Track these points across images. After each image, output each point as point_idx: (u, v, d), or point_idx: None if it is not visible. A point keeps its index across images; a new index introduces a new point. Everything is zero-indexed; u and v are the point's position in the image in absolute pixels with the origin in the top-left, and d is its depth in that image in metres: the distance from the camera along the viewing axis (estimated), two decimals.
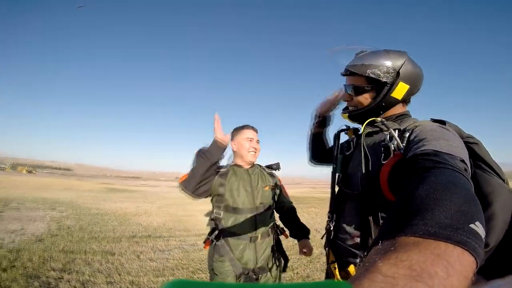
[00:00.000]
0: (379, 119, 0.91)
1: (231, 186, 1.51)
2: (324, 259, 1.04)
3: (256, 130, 1.68)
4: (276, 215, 1.75)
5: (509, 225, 0.64)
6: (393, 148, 0.78)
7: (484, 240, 0.34)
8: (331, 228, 1.02)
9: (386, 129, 0.85)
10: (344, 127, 1.14)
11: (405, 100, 0.96)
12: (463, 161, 0.57)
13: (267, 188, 1.62)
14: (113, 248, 4.22)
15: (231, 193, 1.50)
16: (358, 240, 0.89)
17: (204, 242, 1.53)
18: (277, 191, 1.73)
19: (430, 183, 0.43)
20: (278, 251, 1.61)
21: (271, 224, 1.61)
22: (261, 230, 1.52)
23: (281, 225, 1.75)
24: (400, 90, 0.89)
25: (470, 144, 0.72)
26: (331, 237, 1.01)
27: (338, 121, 1.15)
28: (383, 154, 0.81)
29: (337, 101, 1.30)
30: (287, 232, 1.72)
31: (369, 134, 0.94)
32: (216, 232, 1.48)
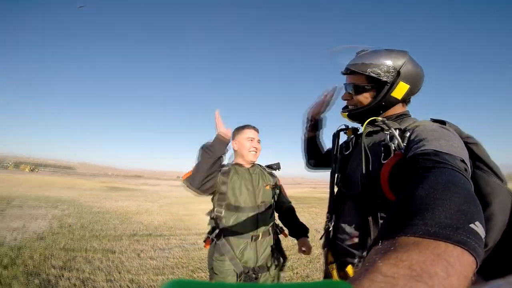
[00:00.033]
0: (380, 118, 0.91)
1: (233, 184, 1.52)
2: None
3: (257, 130, 1.69)
4: (275, 215, 1.75)
5: (507, 225, 0.64)
6: (393, 148, 0.77)
7: (484, 240, 0.34)
8: (330, 229, 1.01)
9: (387, 128, 0.85)
10: (343, 127, 1.14)
11: (405, 100, 0.96)
12: (463, 161, 0.57)
13: (268, 187, 1.63)
14: (114, 246, 4.24)
15: (233, 191, 1.51)
16: (357, 240, 0.88)
17: (205, 241, 1.54)
18: (277, 191, 1.74)
19: (430, 183, 0.43)
20: (277, 250, 1.62)
21: (272, 223, 1.62)
22: (262, 229, 1.53)
23: (280, 225, 1.75)
24: (400, 90, 0.89)
25: (470, 145, 0.72)
26: (330, 237, 1.01)
27: (338, 121, 1.15)
28: (383, 154, 0.81)
29: (327, 102, 1.31)
30: (286, 231, 1.73)
31: (368, 134, 0.94)
32: (217, 231, 1.48)
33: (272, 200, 1.66)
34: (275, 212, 1.72)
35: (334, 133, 1.16)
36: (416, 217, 0.35)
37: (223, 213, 1.49)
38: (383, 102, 0.92)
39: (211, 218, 1.55)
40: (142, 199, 13.52)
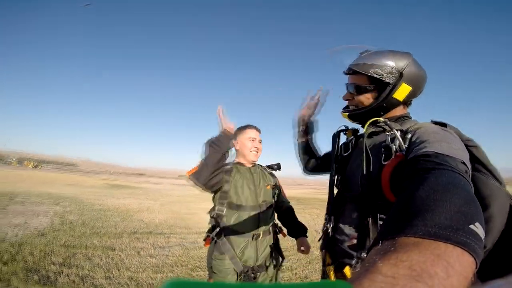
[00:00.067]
0: (382, 119, 0.91)
1: (236, 183, 1.53)
2: None
3: (259, 130, 1.70)
4: (275, 215, 1.75)
5: (505, 227, 0.64)
6: (394, 149, 0.78)
7: (484, 241, 0.34)
8: (329, 230, 1.00)
9: (389, 129, 0.84)
10: (343, 128, 1.13)
11: (406, 102, 0.95)
12: (464, 163, 0.57)
13: (268, 187, 1.65)
14: (114, 243, 4.25)
15: (236, 190, 1.51)
16: (356, 241, 0.88)
17: (204, 240, 1.53)
18: (277, 191, 1.75)
19: (430, 184, 0.44)
20: (276, 249, 1.62)
21: (272, 222, 1.63)
22: (263, 228, 1.53)
23: (279, 224, 1.76)
24: (402, 92, 0.89)
25: (469, 147, 0.72)
26: (328, 239, 1.00)
27: (337, 121, 1.14)
28: (383, 155, 0.81)
29: (315, 105, 1.32)
30: (285, 231, 1.74)
31: (369, 135, 0.94)
32: (217, 229, 1.48)
33: (273, 200, 1.67)
34: (274, 212, 1.73)
35: (334, 134, 1.16)
36: (416, 218, 0.35)
37: (224, 212, 1.49)
38: (385, 104, 0.91)
39: (212, 217, 1.55)
40: (143, 197, 13.58)
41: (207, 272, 1.54)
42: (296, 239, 1.68)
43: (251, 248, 1.47)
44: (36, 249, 3.60)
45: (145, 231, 5.35)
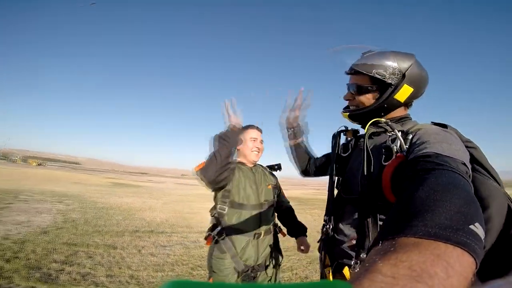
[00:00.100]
0: (383, 119, 0.90)
1: (238, 182, 1.53)
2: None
3: (260, 130, 1.71)
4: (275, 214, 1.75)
5: (503, 227, 0.64)
6: (395, 150, 0.77)
7: (483, 241, 0.34)
8: (329, 231, 0.99)
9: (390, 130, 0.84)
10: (343, 128, 1.13)
11: (407, 103, 0.95)
12: (464, 164, 0.58)
13: (270, 186, 1.65)
14: (116, 242, 4.27)
15: (238, 189, 1.51)
16: (355, 242, 0.87)
17: (205, 239, 1.52)
18: (277, 191, 1.75)
19: (430, 185, 0.44)
20: (275, 249, 1.62)
21: (273, 222, 1.64)
22: (264, 227, 1.53)
23: (279, 224, 1.77)
24: (404, 93, 0.88)
25: (469, 148, 0.72)
26: (328, 240, 0.99)
27: (336, 122, 1.14)
28: (384, 156, 0.81)
29: (299, 107, 1.33)
30: (284, 230, 1.75)
31: (369, 136, 0.93)
32: (219, 228, 1.48)
33: (274, 199, 1.68)
34: (275, 212, 1.73)
35: (334, 134, 1.15)
36: (416, 218, 0.35)
37: (226, 210, 1.49)
38: (386, 104, 0.91)
39: (213, 216, 1.55)
40: (146, 195, 13.66)
41: (208, 272, 1.54)
42: (296, 239, 1.69)
43: (252, 247, 1.47)
44: (39, 246, 3.63)
45: (147, 230, 5.37)
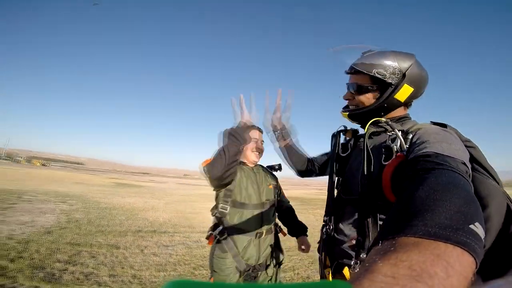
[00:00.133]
0: (383, 119, 0.90)
1: (240, 181, 1.53)
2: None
3: (261, 131, 1.70)
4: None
5: (502, 226, 0.64)
6: (395, 150, 0.77)
7: (483, 240, 0.34)
8: (329, 231, 0.99)
9: (391, 129, 0.83)
10: (343, 128, 1.12)
11: (407, 103, 0.95)
12: (464, 163, 0.58)
13: (271, 186, 1.65)
14: (119, 242, 4.30)
15: (240, 188, 1.51)
16: (355, 242, 0.87)
17: (207, 238, 1.52)
18: (277, 191, 1.75)
19: (430, 184, 0.44)
20: (276, 248, 1.62)
21: (274, 221, 1.64)
22: (266, 226, 1.53)
23: (279, 224, 1.77)
24: (404, 92, 0.88)
25: (468, 148, 0.72)
26: (328, 241, 0.99)
27: (337, 121, 1.14)
28: (383, 156, 0.81)
29: (278, 107, 1.33)
30: (285, 230, 1.75)
31: (368, 136, 0.93)
32: (220, 227, 1.48)
33: (275, 199, 1.68)
34: (275, 212, 1.73)
35: (333, 134, 1.15)
36: (416, 218, 0.35)
37: (228, 210, 1.49)
38: (386, 104, 0.91)
39: (214, 215, 1.55)
40: (148, 196, 13.71)
41: (209, 271, 1.54)
42: (296, 238, 1.70)
43: (253, 247, 1.47)
44: (42, 246, 3.66)
45: (150, 230, 5.40)
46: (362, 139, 0.99)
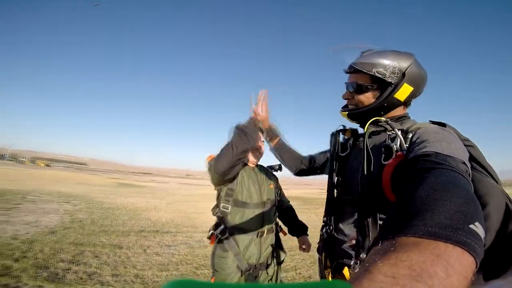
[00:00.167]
0: (383, 118, 0.90)
1: (241, 181, 1.53)
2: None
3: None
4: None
5: (501, 225, 0.64)
6: (395, 149, 0.77)
7: (483, 240, 0.34)
8: (329, 232, 0.99)
9: (390, 128, 0.84)
10: (342, 127, 1.12)
11: (407, 103, 0.95)
12: (464, 163, 0.58)
13: (272, 186, 1.66)
14: (121, 241, 4.32)
15: (241, 187, 1.52)
16: (355, 241, 0.87)
17: (209, 238, 1.52)
18: (278, 191, 1.76)
19: (430, 184, 0.43)
20: (277, 247, 1.63)
21: (275, 221, 1.65)
22: (267, 226, 1.54)
23: (280, 223, 1.77)
24: (404, 92, 0.88)
25: (467, 147, 0.72)
26: (328, 241, 0.99)
27: (337, 121, 1.13)
28: (383, 155, 0.81)
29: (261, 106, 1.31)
30: (285, 229, 1.76)
31: (368, 136, 0.93)
32: (222, 227, 1.48)
33: (276, 199, 1.68)
34: (276, 211, 1.73)
35: (332, 133, 1.14)
36: (416, 218, 0.35)
37: (229, 209, 1.49)
38: (385, 103, 0.91)
39: (215, 215, 1.55)
40: (150, 196, 13.76)
41: (211, 270, 1.55)
42: (297, 238, 1.71)
43: (254, 246, 1.47)
44: (46, 246, 3.69)
45: (152, 230, 5.42)
46: (361, 139, 0.98)
